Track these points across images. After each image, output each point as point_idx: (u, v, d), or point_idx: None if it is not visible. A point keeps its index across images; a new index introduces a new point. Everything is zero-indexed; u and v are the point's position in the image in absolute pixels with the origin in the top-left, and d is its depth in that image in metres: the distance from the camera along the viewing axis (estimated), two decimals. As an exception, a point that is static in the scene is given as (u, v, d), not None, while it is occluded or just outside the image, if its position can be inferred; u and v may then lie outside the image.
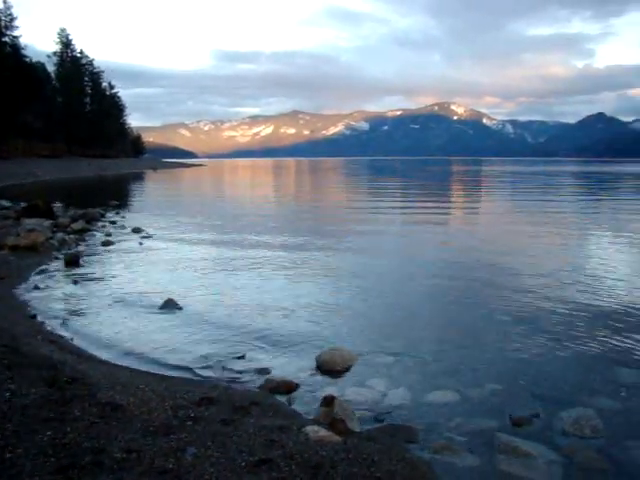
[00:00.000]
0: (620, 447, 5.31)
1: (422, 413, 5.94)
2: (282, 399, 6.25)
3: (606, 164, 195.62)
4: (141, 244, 17.11)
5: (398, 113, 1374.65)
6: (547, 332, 8.61)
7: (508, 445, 5.19)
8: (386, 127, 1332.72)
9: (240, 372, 7.07)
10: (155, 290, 11.17)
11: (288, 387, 6.48)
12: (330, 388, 6.51)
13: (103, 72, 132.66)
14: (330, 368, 7.10)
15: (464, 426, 5.65)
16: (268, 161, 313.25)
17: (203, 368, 7.22)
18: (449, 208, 32.89)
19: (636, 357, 7.58)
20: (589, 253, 16.21)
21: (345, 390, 6.49)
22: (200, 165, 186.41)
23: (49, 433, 4.61)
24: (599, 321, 9.16)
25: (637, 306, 10.06)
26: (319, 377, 6.95)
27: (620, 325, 8.95)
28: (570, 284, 11.73)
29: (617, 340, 8.26)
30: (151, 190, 51.35)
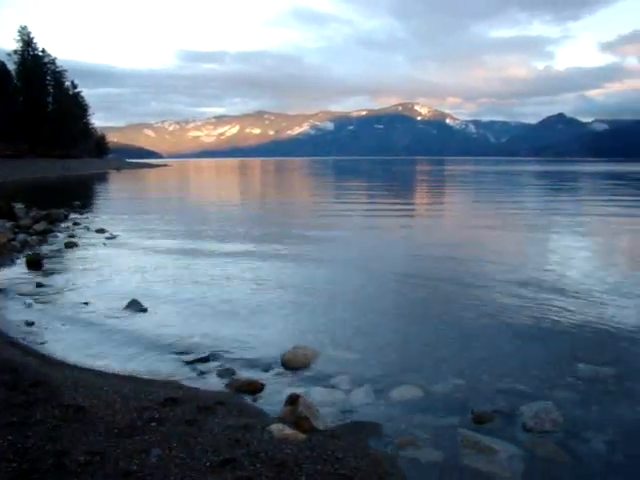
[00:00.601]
0: (579, 439, 5.42)
1: (386, 409, 5.99)
2: (247, 398, 6.25)
3: (566, 164, 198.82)
4: (105, 245, 16.93)
5: (363, 113, 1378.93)
6: (509, 328, 8.77)
7: (471, 440, 5.28)
8: (351, 127, 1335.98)
9: (205, 372, 7.06)
10: (119, 291, 11.06)
11: (253, 386, 6.48)
12: (295, 387, 6.54)
13: (66, 71, 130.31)
14: (295, 367, 7.12)
15: (428, 422, 5.72)
16: (233, 161, 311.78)
17: (168, 369, 7.19)
18: (413, 208, 33.17)
19: (594, 351, 7.75)
20: (549, 250, 16.49)
21: (310, 388, 6.51)
22: (165, 165, 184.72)
23: (10, 437, 4.57)
24: (559, 317, 9.34)
25: (595, 301, 10.31)
26: (284, 376, 6.95)
27: (579, 320, 9.15)
28: (531, 281, 11.92)
29: (576, 335, 8.45)
30: (115, 191, 50.77)
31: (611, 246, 17.57)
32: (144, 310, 9.74)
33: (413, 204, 35.54)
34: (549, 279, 12.12)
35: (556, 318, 9.28)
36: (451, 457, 5.10)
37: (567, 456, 5.16)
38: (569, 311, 9.68)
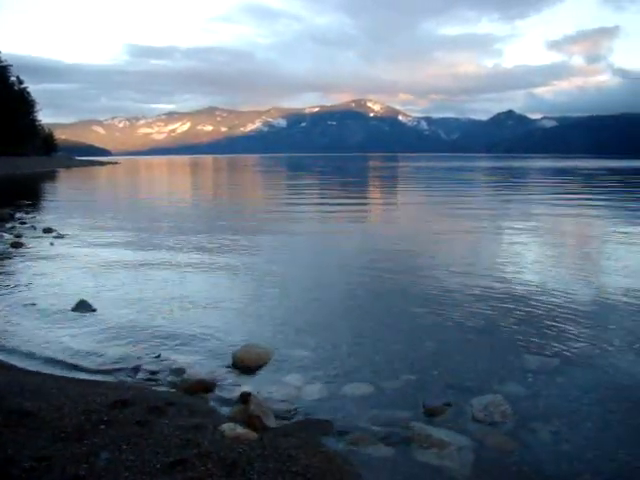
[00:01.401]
0: (527, 430, 5.55)
1: (338, 406, 6.01)
2: (198, 398, 6.19)
3: (517, 160, 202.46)
4: (52, 245, 16.57)
5: (315, 110, 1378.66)
6: (459, 323, 8.89)
7: (422, 434, 5.33)
8: (304, 124, 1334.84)
9: (155, 372, 6.97)
10: (67, 292, 10.85)
11: (204, 386, 6.43)
12: (246, 385, 6.51)
13: (11, 66, 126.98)
14: (246, 365, 7.09)
15: (379, 417, 5.76)
16: (185, 158, 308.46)
17: (117, 370, 7.08)
18: (366, 206, 33.28)
19: (541, 343, 7.93)
20: (499, 245, 16.81)
21: (261, 386, 6.50)
22: (115, 163, 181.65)
23: (-51, 448, 4.44)
24: (508, 311, 9.52)
25: (542, 295, 10.54)
26: (235, 374, 6.92)
27: (527, 313, 9.37)
28: (480, 275, 12.13)
29: (524, 328, 8.63)
30: (64, 189, 49.72)
31: (558, 240, 17.96)
32: (93, 310, 9.58)
33: (366, 201, 35.67)
34: (498, 273, 12.36)
35: (504, 311, 9.48)
36: (403, 452, 5.15)
37: (515, 446, 5.27)
38: (517, 304, 9.90)
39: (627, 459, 5.07)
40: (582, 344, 7.95)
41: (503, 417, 5.74)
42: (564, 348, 7.77)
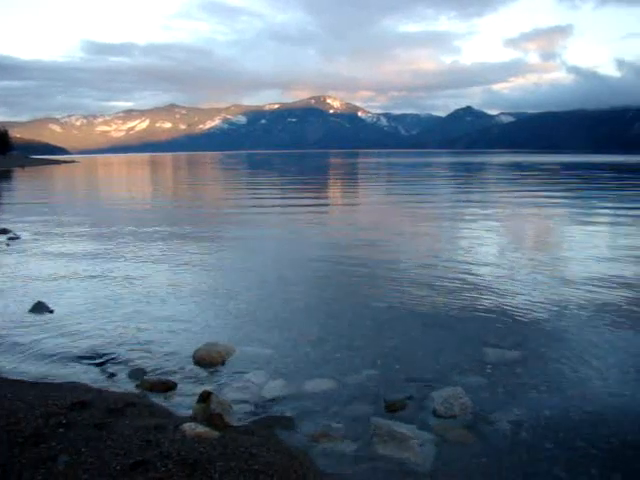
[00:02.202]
0: (486, 421, 5.64)
1: (300, 402, 6.02)
2: (159, 398, 6.12)
3: (475, 155, 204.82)
4: (8, 246, 16.23)
5: (276, 107, 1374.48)
6: (419, 317, 8.98)
7: (383, 428, 5.36)
8: (264, 121, 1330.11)
9: (115, 373, 6.87)
10: (24, 293, 10.64)
11: (164, 386, 6.36)
12: (208, 384, 6.47)
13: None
14: (208, 363, 7.04)
15: (341, 413, 5.79)
16: (144, 156, 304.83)
17: (76, 372, 6.95)
18: (326, 201, 33.30)
19: (500, 336, 8.07)
20: (458, 239, 16.97)
21: (223, 384, 6.47)
22: (72, 162, 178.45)
23: None
24: (468, 304, 9.65)
25: (501, 289, 10.70)
26: (197, 373, 6.87)
27: (486, 306, 9.51)
28: (441, 270, 12.26)
29: (484, 321, 8.77)
30: (19, 189, 48.64)
31: (515, 234, 18.26)
32: (50, 311, 9.41)
33: (326, 198, 35.66)
34: (458, 267, 12.51)
35: (465, 305, 9.61)
36: (364, 446, 5.18)
37: (475, 438, 5.36)
38: (476, 298, 10.04)
39: (583, 445, 5.21)
40: (541, 335, 8.10)
41: (463, 409, 5.81)
42: (523, 340, 7.92)
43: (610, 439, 5.31)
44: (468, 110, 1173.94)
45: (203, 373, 6.88)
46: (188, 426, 5.11)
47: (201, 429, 5.08)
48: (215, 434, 5.04)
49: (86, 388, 6.36)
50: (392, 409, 5.87)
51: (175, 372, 6.88)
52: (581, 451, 5.12)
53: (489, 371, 6.88)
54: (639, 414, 5.78)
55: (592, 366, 6.99)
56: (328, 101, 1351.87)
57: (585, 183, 45.42)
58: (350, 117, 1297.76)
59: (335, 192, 40.22)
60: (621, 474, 4.79)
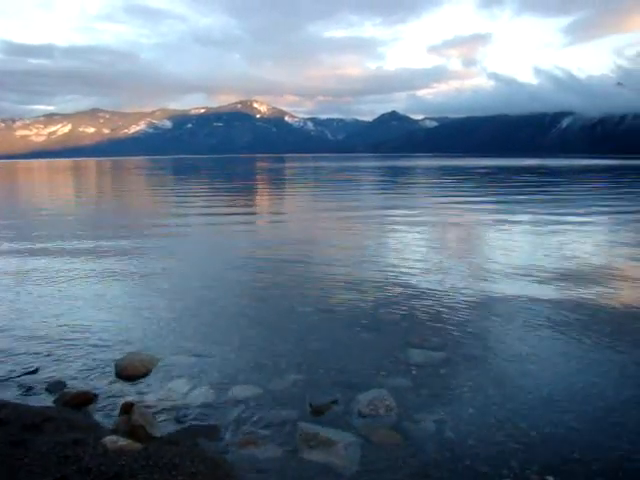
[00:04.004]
0: (411, 421, 5.73)
1: (225, 410, 5.96)
2: (78, 412, 5.94)
3: (400, 159, 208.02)
4: None
5: (202, 111, 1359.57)
6: (346, 320, 9.04)
7: (308, 433, 5.37)
8: (190, 125, 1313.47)
9: (32, 387, 6.61)
10: None
11: (85, 398, 6.17)
12: (130, 395, 6.32)
13: None
14: (130, 374, 6.87)
15: (266, 419, 5.76)
16: (67, 162, 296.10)
17: (-10, 387, 6.69)
18: (252, 208, 33.10)
19: (425, 337, 8.22)
20: (384, 244, 17.20)
21: (146, 395, 6.33)
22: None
23: None
24: (393, 306, 9.79)
25: (425, 290, 10.92)
26: (119, 384, 6.69)
27: (412, 309, 9.66)
28: (366, 273, 12.41)
29: (409, 322, 8.92)
30: None
31: (441, 235, 18.61)
32: (-37, 324, 9.00)
33: (253, 204, 35.49)
34: (383, 270, 12.67)
35: (390, 307, 9.74)
36: (290, 452, 5.17)
37: (401, 438, 5.44)
38: (402, 300, 10.20)
39: (504, 440, 5.37)
40: (465, 336, 8.29)
41: (388, 411, 5.88)
42: (447, 340, 8.08)
43: (529, 433, 5.49)
44: (393, 115, 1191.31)
45: (125, 384, 6.71)
46: (109, 439, 4.97)
47: (123, 442, 4.95)
48: (137, 446, 4.92)
49: (0, 404, 6.10)
50: (318, 413, 5.88)
51: (96, 384, 6.68)
52: (502, 446, 5.28)
53: (414, 372, 6.99)
54: (556, 408, 5.99)
55: (513, 365, 7.22)
56: (255, 105, 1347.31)
57: (507, 187, 46.74)
58: (277, 122, 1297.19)
59: (262, 198, 40.06)
60: (538, 466, 4.96)
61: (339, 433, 5.46)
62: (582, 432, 5.50)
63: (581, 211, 26.20)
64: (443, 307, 9.71)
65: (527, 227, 20.79)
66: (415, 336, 8.25)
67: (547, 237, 17.82)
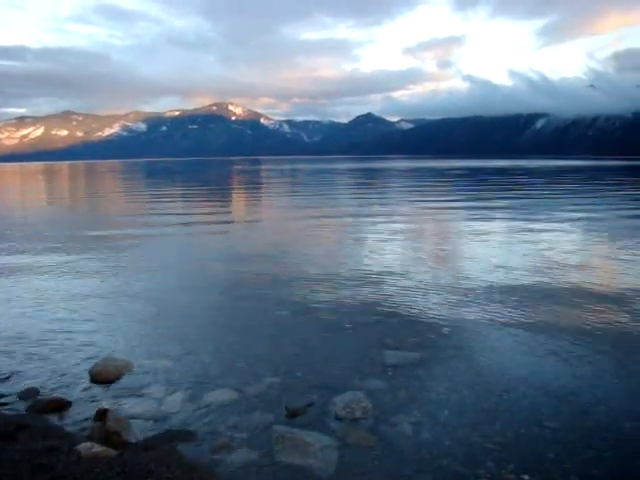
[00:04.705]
0: (387, 424, 5.75)
1: (201, 415, 5.93)
2: (53, 419, 5.87)
3: (377, 161, 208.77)
4: None
5: (176, 113, 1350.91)
6: (321, 323, 9.06)
7: (284, 436, 5.37)
8: (164, 128, 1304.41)
9: (5, 395, 6.51)
10: None
11: (59, 404, 6.10)
12: (105, 401, 6.27)
13: None
14: (105, 379, 6.81)
15: (243, 423, 5.75)
16: (39, 165, 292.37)
17: (-40, 395, 6.58)
18: (228, 212, 32.93)
19: (400, 338, 8.27)
20: (359, 246, 17.23)
21: (121, 401, 6.28)
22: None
23: None
24: (369, 308, 9.84)
25: (399, 291, 10.99)
26: (93, 390, 6.62)
27: (387, 310, 9.72)
28: (342, 277, 12.40)
29: (385, 324, 8.97)
30: None
31: (415, 239, 18.67)
32: None
33: (228, 208, 35.30)
34: (359, 272, 12.70)
35: (366, 309, 9.78)
36: (266, 455, 5.17)
37: (377, 440, 5.46)
38: (377, 301, 10.26)
39: (480, 440, 5.42)
40: (439, 336, 8.36)
41: (364, 413, 5.90)
42: (423, 341, 8.14)
43: (505, 433, 5.55)
44: (369, 117, 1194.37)
45: (100, 390, 6.64)
46: (84, 446, 4.92)
47: (98, 448, 4.90)
48: (112, 453, 4.88)
49: (-28, 412, 6.02)
50: (294, 416, 5.89)
51: (71, 390, 6.61)
52: (478, 446, 5.32)
53: (390, 374, 7.02)
54: (531, 408, 6.06)
55: (488, 365, 7.28)
56: (230, 108, 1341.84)
57: (485, 190, 47.13)
58: (252, 124, 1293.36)
59: (237, 202, 39.87)
60: (514, 465, 5.01)
61: (315, 436, 5.46)
62: (557, 431, 5.57)
63: (551, 215, 26.48)
64: (418, 309, 9.76)
65: (501, 229, 20.94)
66: (391, 338, 8.29)
67: (520, 238, 17.97)
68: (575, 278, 12.02)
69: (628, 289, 11.09)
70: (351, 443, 5.40)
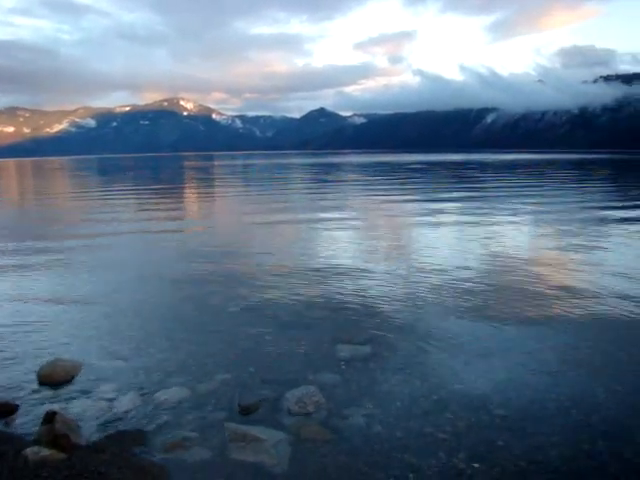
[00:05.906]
0: (340, 417, 5.79)
1: (152, 414, 5.86)
2: (-1, 423, 5.75)
3: (330, 156, 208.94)
4: None
5: (127, 109, 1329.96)
6: (274, 319, 9.05)
7: (237, 433, 5.35)
8: (115, 124, 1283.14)
9: (-53, 400, 6.36)
10: None
11: (5, 408, 5.94)
12: (53, 403, 6.13)
13: None
14: (54, 381, 6.67)
15: (195, 421, 5.71)
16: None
17: None
18: (181, 210, 32.64)
19: (352, 332, 8.31)
20: (313, 240, 17.24)
21: (70, 403, 6.15)
22: None
23: None
24: (320, 303, 9.88)
25: (352, 286, 11.07)
26: (42, 393, 6.47)
27: (338, 305, 9.76)
28: (295, 272, 12.40)
29: (337, 318, 9.02)
30: None
31: (369, 234, 18.76)
32: None
33: (180, 207, 34.83)
34: (312, 267, 12.74)
35: (318, 303, 9.82)
36: (219, 453, 5.15)
37: (330, 434, 5.49)
38: (330, 296, 10.30)
39: (431, 431, 5.51)
40: (391, 329, 8.44)
41: (317, 407, 5.93)
42: (375, 334, 8.20)
43: (456, 422, 5.64)
44: (322, 112, 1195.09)
45: (49, 392, 6.50)
46: (31, 450, 4.82)
47: (45, 452, 4.81)
48: (61, 456, 4.80)
49: None
50: (246, 412, 5.88)
51: (17, 393, 6.44)
52: (429, 437, 5.41)
53: (343, 367, 7.06)
54: (482, 397, 6.17)
55: (439, 356, 7.40)
56: (181, 103, 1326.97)
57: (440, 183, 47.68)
58: (204, 119, 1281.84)
59: (189, 200, 39.43)
60: (465, 454, 5.10)
61: (268, 431, 5.46)
62: (507, 419, 5.69)
63: (504, 205, 26.96)
64: (370, 303, 9.83)
65: (453, 221, 21.22)
66: (343, 332, 8.33)
67: (473, 230, 18.24)
68: (523, 270, 12.26)
69: (572, 278, 11.37)
70: (304, 438, 5.42)
